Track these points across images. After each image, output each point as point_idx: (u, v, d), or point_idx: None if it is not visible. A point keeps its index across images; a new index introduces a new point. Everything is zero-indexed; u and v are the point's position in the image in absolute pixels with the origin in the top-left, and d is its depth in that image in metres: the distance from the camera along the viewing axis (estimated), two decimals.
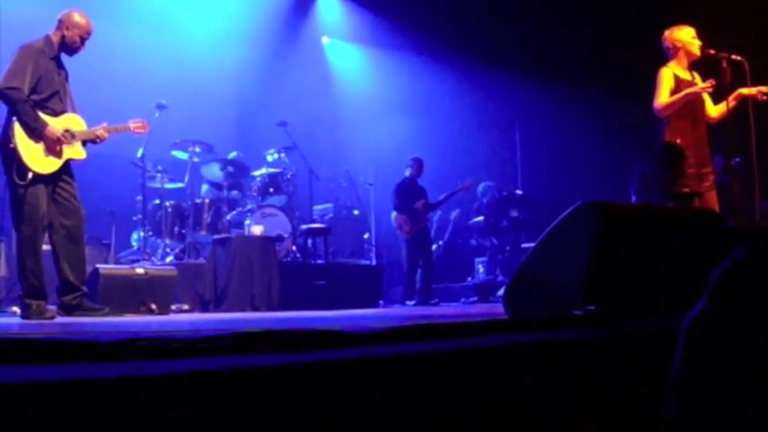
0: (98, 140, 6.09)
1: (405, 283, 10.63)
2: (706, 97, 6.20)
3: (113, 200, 9.29)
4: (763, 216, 6.80)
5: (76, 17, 5.97)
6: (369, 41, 13.74)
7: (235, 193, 9.76)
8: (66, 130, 5.80)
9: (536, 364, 2.06)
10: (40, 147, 5.65)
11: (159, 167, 9.40)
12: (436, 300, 10.37)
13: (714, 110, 6.21)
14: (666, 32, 6.24)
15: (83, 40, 5.98)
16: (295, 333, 1.79)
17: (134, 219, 9.26)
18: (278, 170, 9.97)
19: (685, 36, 6.14)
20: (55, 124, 5.74)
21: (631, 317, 2.78)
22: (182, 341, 1.66)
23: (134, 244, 9.37)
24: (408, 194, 10.52)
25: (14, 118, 5.58)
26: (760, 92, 6.01)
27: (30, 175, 5.57)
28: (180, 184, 9.68)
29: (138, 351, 1.56)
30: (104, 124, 6.11)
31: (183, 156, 9.71)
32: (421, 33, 12.41)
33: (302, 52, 13.54)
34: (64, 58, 6.05)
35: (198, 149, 9.64)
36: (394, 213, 10.53)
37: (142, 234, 8.96)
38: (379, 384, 1.60)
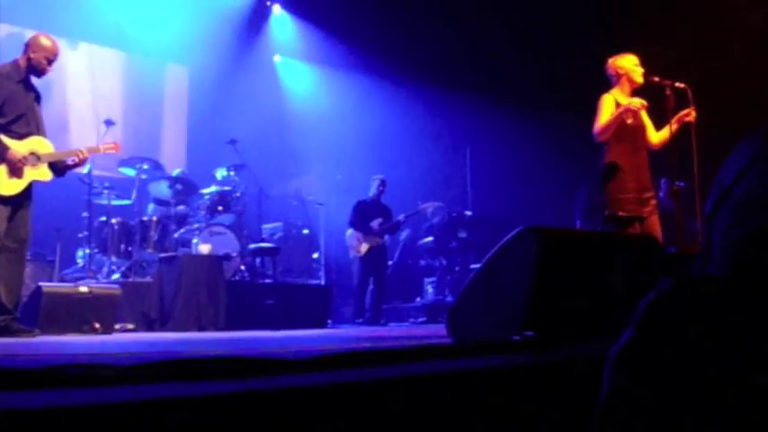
0: (77, 163, 6.29)
1: (355, 303, 10.61)
2: (647, 124, 6.28)
3: (59, 216, 9.14)
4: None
5: (42, 40, 6.11)
6: (321, 61, 13.78)
7: (182, 207, 9.66)
8: (32, 153, 5.86)
9: (471, 391, 2.06)
10: (3, 169, 5.69)
11: (106, 184, 9.30)
12: (384, 320, 10.37)
13: (656, 136, 6.28)
14: (610, 60, 6.31)
15: (49, 61, 6.11)
16: (227, 360, 1.78)
17: (80, 236, 9.11)
18: (227, 188, 9.89)
19: (628, 63, 6.22)
20: (19, 147, 5.79)
21: (570, 343, 2.81)
22: (83, 367, 1.64)
23: (79, 261, 9.23)
24: (368, 213, 10.53)
25: None
26: (690, 114, 6.09)
27: None
28: (127, 201, 9.57)
29: (64, 378, 1.53)
30: (78, 149, 6.31)
31: (130, 173, 9.60)
32: (373, 54, 12.46)
33: (254, 70, 13.54)
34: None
35: (146, 167, 9.54)
36: (349, 231, 10.52)
37: (87, 251, 8.83)
38: (309, 414, 1.60)
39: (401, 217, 10.89)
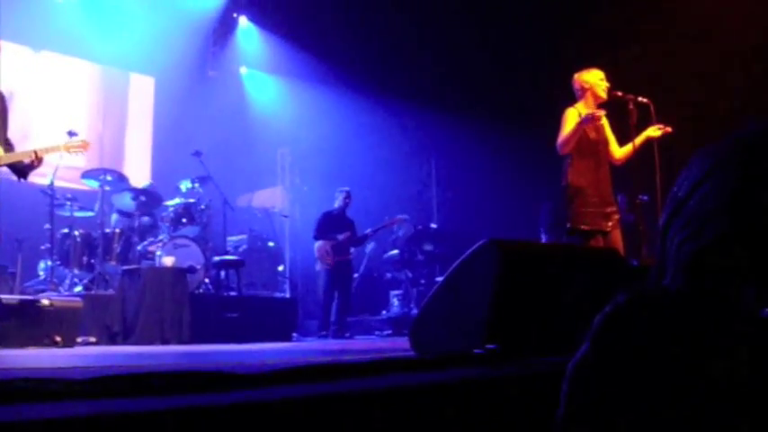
0: (33, 165, 5.95)
1: (320, 315, 10.57)
2: (611, 138, 6.33)
3: (20, 228, 8.99)
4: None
5: None
6: (287, 73, 13.75)
7: (146, 219, 9.57)
8: None
9: (433, 405, 2.05)
10: None
11: (69, 195, 9.21)
12: (349, 333, 10.33)
13: (619, 151, 6.34)
14: (576, 74, 6.36)
15: None
16: (176, 375, 1.75)
17: (42, 248, 8.99)
18: (192, 200, 9.82)
19: (593, 78, 6.26)
20: None
21: (531, 355, 2.80)
22: (58, 382, 1.61)
23: (41, 273, 9.10)
24: (332, 225, 10.49)
25: None
26: (661, 128, 6.16)
27: None
28: (90, 213, 9.47)
29: (12, 393, 1.50)
30: (34, 149, 6.00)
31: (94, 184, 9.50)
32: (339, 67, 12.49)
33: (220, 81, 13.49)
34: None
35: (110, 178, 9.44)
36: (318, 243, 10.45)
37: (49, 263, 8.71)
38: (266, 430, 1.58)
39: (369, 231, 10.87)
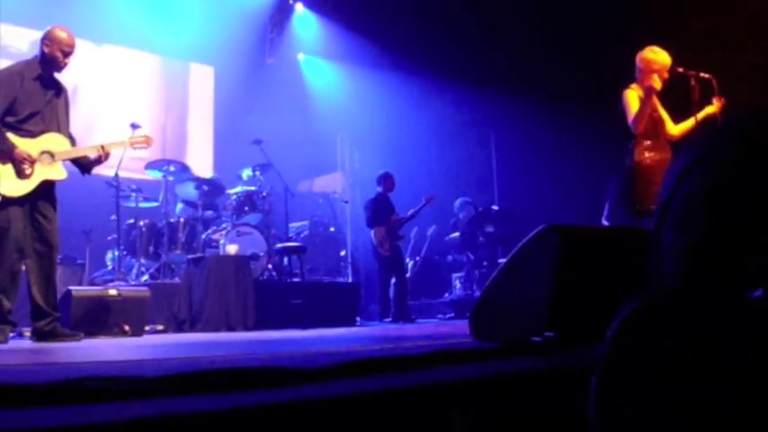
0: (101, 160, 6.10)
1: (380, 301, 10.63)
2: (665, 116, 6.26)
3: (88, 219, 9.23)
4: None
5: (57, 32, 5.97)
6: (343, 58, 13.79)
7: (210, 213, 9.73)
8: (45, 152, 5.75)
9: (491, 398, 2.05)
10: (11, 169, 5.62)
11: (133, 186, 9.38)
12: (413, 316, 10.37)
13: (675, 128, 6.26)
14: (640, 53, 6.28)
15: (65, 54, 5.93)
16: (239, 371, 1.79)
17: (108, 238, 9.21)
18: (253, 188, 9.94)
19: (656, 57, 6.18)
20: (30, 146, 5.69)
21: (590, 343, 2.79)
22: (127, 381, 1.65)
23: (108, 264, 9.32)
24: (382, 210, 10.52)
25: None
26: (718, 100, 6.07)
27: None
28: (154, 204, 9.65)
29: (84, 394, 1.55)
30: (99, 144, 6.12)
31: (157, 175, 9.66)
32: (395, 49, 12.46)
33: (278, 69, 13.59)
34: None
35: (173, 168, 9.59)
36: (374, 229, 10.49)
37: (116, 254, 8.90)
38: (328, 426, 1.60)
39: (410, 212, 10.85)
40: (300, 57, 14.43)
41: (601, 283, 3.30)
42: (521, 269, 3.43)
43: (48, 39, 5.94)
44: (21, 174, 5.64)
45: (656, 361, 1.04)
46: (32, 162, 5.68)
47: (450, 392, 1.97)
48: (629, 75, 6.36)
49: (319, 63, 14.41)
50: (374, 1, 12.41)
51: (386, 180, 10.68)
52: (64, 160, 5.92)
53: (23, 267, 5.83)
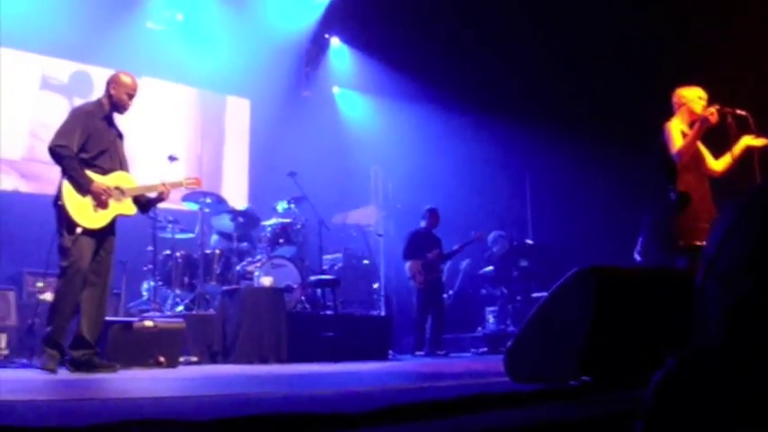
0: (161, 197, 6.45)
1: (415, 334, 10.62)
2: (705, 153, 6.23)
3: (124, 250, 9.21)
4: None
5: (122, 77, 6.32)
6: (378, 92, 13.89)
7: (245, 245, 9.81)
8: (116, 188, 6.04)
9: None
10: (89, 202, 5.87)
11: (170, 218, 9.48)
12: (445, 351, 10.35)
13: (716, 164, 6.22)
14: (677, 89, 6.30)
15: (130, 97, 6.30)
16: (281, 416, 1.81)
17: (144, 269, 9.29)
18: (288, 220, 10.01)
19: (691, 95, 6.19)
20: (104, 181, 5.98)
21: (627, 388, 2.78)
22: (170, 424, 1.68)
23: (144, 294, 9.40)
24: (420, 244, 10.57)
25: (63, 176, 5.83)
26: (759, 137, 6.03)
27: (78, 229, 5.78)
28: (190, 235, 9.74)
29: None
30: (161, 182, 6.45)
31: (193, 207, 9.75)
32: (430, 82, 12.52)
33: (313, 102, 13.72)
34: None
35: (209, 200, 9.67)
36: (408, 262, 10.56)
37: (152, 284, 8.99)
38: None
39: (455, 247, 10.90)
40: (335, 90, 14.55)
41: (638, 327, 3.30)
42: (558, 310, 3.44)
43: (114, 83, 6.28)
44: (101, 205, 5.91)
45: (698, 413, 1.06)
46: (110, 194, 5.95)
47: None
48: (662, 111, 6.37)
49: (354, 96, 14.51)
50: (410, 35, 12.49)
51: (431, 215, 10.78)
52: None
53: None
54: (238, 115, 13.38)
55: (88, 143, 5.98)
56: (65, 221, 5.78)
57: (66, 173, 5.84)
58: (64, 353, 5.87)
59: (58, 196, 5.82)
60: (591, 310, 3.21)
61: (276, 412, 1.91)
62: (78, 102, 10.75)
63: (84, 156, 5.94)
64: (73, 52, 11.17)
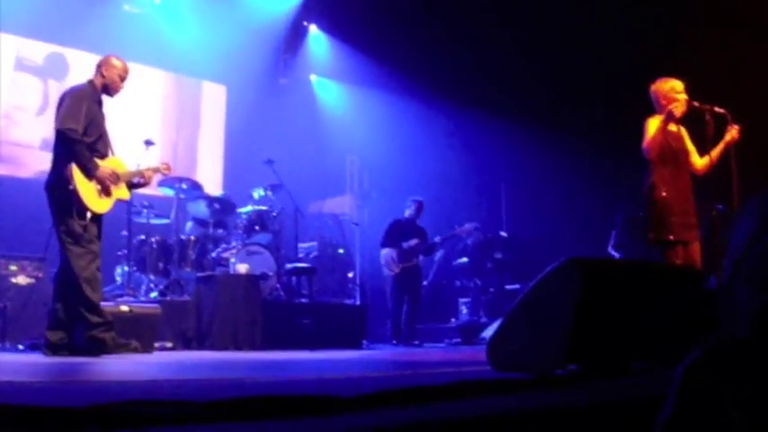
0: (143, 183, 6.48)
1: (390, 323, 10.62)
2: (691, 149, 6.27)
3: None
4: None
5: (113, 60, 6.32)
6: (356, 80, 13.86)
7: (220, 231, 9.76)
8: (113, 172, 5.99)
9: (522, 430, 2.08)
10: (94, 187, 5.85)
11: (145, 203, 9.41)
12: (419, 341, 10.38)
13: (700, 162, 6.27)
14: (653, 85, 6.31)
15: (122, 79, 6.32)
16: (286, 399, 1.82)
17: (118, 253, 9.21)
18: (264, 208, 9.97)
19: (664, 87, 6.21)
20: (105, 165, 5.97)
21: (612, 376, 2.82)
22: (152, 404, 1.68)
23: (118, 279, 9.32)
24: (401, 233, 10.54)
25: (72, 160, 5.76)
26: (732, 128, 6.08)
27: (89, 214, 5.78)
28: (166, 221, 9.68)
29: (133, 418, 1.58)
30: (144, 167, 6.55)
31: (169, 192, 9.69)
32: (407, 73, 12.52)
33: (290, 90, 13.66)
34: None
35: (185, 186, 9.61)
36: (384, 250, 10.54)
37: (126, 269, 8.93)
38: None
39: (437, 239, 10.89)
40: (313, 78, 14.51)
41: (622, 316, 3.33)
42: (542, 301, 3.46)
43: (106, 65, 6.26)
44: (106, 191, 5.93)
45: (721, 402, 1.08)
46: (114, 179, 5.96)
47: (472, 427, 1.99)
48: (644, 106, 6.40)
49: (331, 85, 14.48)
50: (388, 27, 12.48)
51: (417, 206, 10.73)
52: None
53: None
54: (214, 101, 13.30)
55: (89, 127, 5.95)
56: (75, 206, 5.74)
57: (76, 158, 5.77)
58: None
59: (68, 180, 5.73)
60: (576, 300, 3.24)
61: (271, 394, 1.92)
62: (53, 84, 10.71)
63: (86, 140, 5.89)
64: (49, 34, 11.04)
